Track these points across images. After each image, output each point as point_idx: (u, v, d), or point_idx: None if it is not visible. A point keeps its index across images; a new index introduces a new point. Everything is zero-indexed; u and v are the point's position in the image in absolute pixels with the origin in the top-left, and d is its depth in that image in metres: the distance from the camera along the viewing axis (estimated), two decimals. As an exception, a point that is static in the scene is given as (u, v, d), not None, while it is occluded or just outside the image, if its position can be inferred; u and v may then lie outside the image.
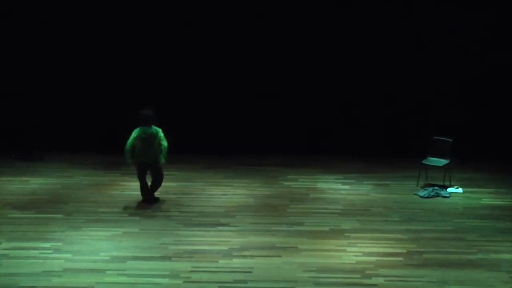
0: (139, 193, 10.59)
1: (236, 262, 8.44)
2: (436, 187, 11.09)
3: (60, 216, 9.79)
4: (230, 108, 12.87)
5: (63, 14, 12.49)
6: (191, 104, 12.86)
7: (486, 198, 10.88)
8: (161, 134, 10.15)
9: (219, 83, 12.78)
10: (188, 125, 12.89)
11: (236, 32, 12.58)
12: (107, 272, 8.10)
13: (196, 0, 12.44)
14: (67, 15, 12.49)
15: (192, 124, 12.89)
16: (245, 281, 7.95)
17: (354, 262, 8.46)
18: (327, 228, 9.53)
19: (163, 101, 12.53)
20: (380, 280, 7.98)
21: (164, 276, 8.02)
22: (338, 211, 10.21)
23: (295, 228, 9.52)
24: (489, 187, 11.35)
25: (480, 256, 8.68)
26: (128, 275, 8.04)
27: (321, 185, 11.33)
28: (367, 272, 8.18)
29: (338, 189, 11.19)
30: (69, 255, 8.51)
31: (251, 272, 8.18)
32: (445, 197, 10.85)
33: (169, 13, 12.53)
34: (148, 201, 10.35)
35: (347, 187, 11.26)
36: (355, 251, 8.77)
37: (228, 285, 7.86)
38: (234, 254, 8.66)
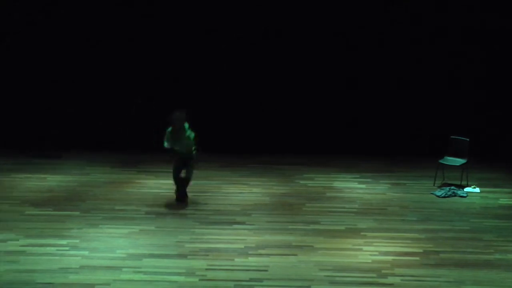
0: (155, 191, 10.64)
1: (252, 260, 8.44)
2: (453, 187, 11.02)
3: (77, 213, 9.85)
4: (247, 106, 12.87)
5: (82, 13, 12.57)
6: (208, 102, 12.87)
7: (504, 198, 10.80)
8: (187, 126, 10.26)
9: (236, 82, 12.78)
10: (204, 124, 12.90)
11: (252, 31, 12.58)
12: (124, 269, 8.13)
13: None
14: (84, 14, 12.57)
15: (209, 123, 12.90)
16: (260, 280, 7.94)
17: (370, 261, 8.43)
18: (343, 227, 9.51)
19: (181, 100, 12.54)
20: (396, 280, 7.95)
21: (180, 274, 8.04)
22: (355, 210, 10.18)
23: (311, 227, 9.50)
24: (507, 187, 11.27)
25: (497, 256, 8.62)
26: (144, 273, 8.06)
27: (337, 184, 11.31)
28: (383, 271, 8.14)
29: (355, 188, 11.16)
30: (86, 252, 8.55)
31: (267, 270, 8.18)
32: (462, 196, 10.79)
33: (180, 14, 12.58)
34: (182, 199, 10.36)
35: (363, 186, 11.23)
36: (371, 250, 8.74)
37: (244, 283, 7.86)
38: (250, 252, 8.66)
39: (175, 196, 10.42)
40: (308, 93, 12.78)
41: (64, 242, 8.84)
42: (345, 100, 12.79)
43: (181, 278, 7.96)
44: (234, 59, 12.69)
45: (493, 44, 12.41)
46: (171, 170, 10.36)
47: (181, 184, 10.36)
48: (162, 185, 11.06)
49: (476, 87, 12.61)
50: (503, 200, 10.69)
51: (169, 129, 10.13)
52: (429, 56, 12.54)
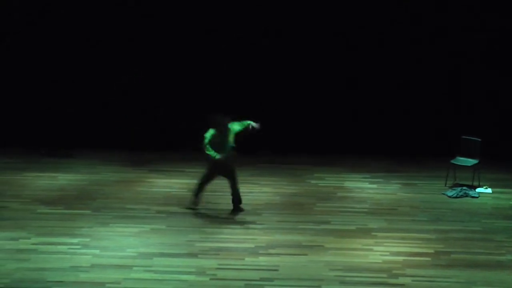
0: (166, 190, 10.68)
1: (262, 260, 8.44)
2: (464, 187, 10.98)
3: (88, 212, 9.88)
4: (258, 106, 12.87)
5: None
6: (211, 102, 12.90)
7: (516, 198, 10.76)
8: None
9: (245, 80, 12.77)
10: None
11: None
12: (134, 268, 8.15)
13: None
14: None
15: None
16: (271, 279, 7.94)
17: (380, 261, 8.41)
18: (353, 227, 9.49)
19: (181, 100, 12.61)
20: (407, 280, 7.93)
21: (190, 273, 8.05)
22: (365, 210, 10.16)
23: (322, 226, 9.49)
24: (519, 187, 11.23)
25: (509, 257, 8.58)
26: (155, 272, 8.08)
27: (348, 184, 11.29)
28: (394, 271, 8.12)
29: (365, 188, 11.13)
30: (96, 251, 8.58)
31: (277, 270, 8.17)
32: (473, 197, 10.75)
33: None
34: (239, 207, 10.06)
35: (374, 186, 11.20)
36: (382, 251, 8.72)
37: (254, 283, 7.86)
38: (260, 252, 8.66)
39: (192, 203, 10.09)
40: (313, 93, 12.75)
41: (75, 240, 8.87)
42: (353, 99, 12.75)
43: (191, 277, 7.97)
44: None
45: (504, 44, 12.37)
46: (202, 176, 10.01)
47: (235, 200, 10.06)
48: (173, 184, 11.08)
49: (479, 86, 12.57)
50: (515, 201, 10.65)
51: (211, 133, 9.64)
52: (430, 56, 12.51)
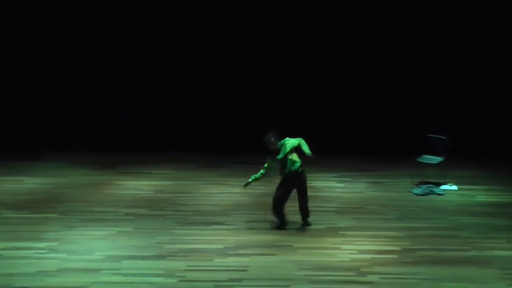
0: (135, 192, 10.63)
1: (232, 260, 8.43)
2: (430, 185, 11.11)
3: (55, 215, 9.78)
4: (227, 107, 12.90)
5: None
6: (187, 103, 12.88)
7: (481, 195, 10.90)
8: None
9: (215, 82, 12.80)
10: (184, 124, 12.91)
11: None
12: (102, 271, 8.09)
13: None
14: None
15: (189, 123, 12.91)
16: (240, 280, 7.94)
17: (349, 260, 8.46)
18: (322, 226, 9.53)
19: (159, 100, 12.55)
20: (375, 278, 7.98)
21: (159, 275, 8.00)
22: (334, 209, 10.22)
23: (290, 226, 9.51)
24: (484, 184, 11.39)
25: (474, 253, 8.69)
26: (123, 275, 8.02)
27: (316, 183, 11.33)
28: (362, 269, 8.18)
29: (334, 187, 11.20)
30: (64, 255, 8.49)
31: (246, 270, 8.17)
32: (439, 194, 10.88)
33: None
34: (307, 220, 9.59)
35: (342, 185, 11.28)
36: (350, 249, 8.77)
37: (223, 283, 7.85)
38: (229, 252, 8.66)
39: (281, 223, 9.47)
40: (286, 94, 12.81)
41: (42, 245, 8.78)
42: (325, 100, 12.83)
43: (160, 279, 7.93)
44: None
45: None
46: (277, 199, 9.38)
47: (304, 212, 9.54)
48: (142, 186, 11.04)
49: (452, 85, 12.73)
50: (480, 198, 10.79)
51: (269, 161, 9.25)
52: (408, 55, 12.64)
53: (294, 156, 9.22)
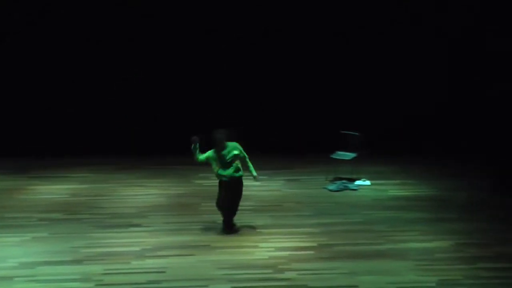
0: (49, 197, 10.39)
1: (149, 262, 8.38)
2: (344, 181, 11.34)
3: (-35, 223, 9.48)
4: (145, 110, 12.85)
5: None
6: (102, 105, 12.74)
7: (393, 189, 11.21)
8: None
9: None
10: (101, 127, 12.76)
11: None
12: (15, 279, 7.87)
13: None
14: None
15: (105, 126, 12.77)
16: (158, 281, 7.90)
17: (267, 257, 8.54)
18: (240, 225, 9.58)
19: (79, 102, 12.40)
20: (292, 274, 8.09)
21: (75, 280, 7.86)
22: (251, 207, 10.29)
23: (208, 226, 9.53)
24: (395, 178, 11.71)
25: (388, 246, 8.92)
26: (38, 281, 7.84)
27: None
28: (280, 267, 8.27)
29: (250, 185, 11.23)
30: (-25, 263, 8.24)
31: (164, 272, 8.13)
32: (353, 190, 11.12)
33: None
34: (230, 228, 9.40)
35: (258, 183, 11.33)
36: (268, 247, 8.85)
37: (141, 286, 7.79)
38: (147, 254, 8.59)
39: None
40: (204, 94, 12.87)
41: (-49, 254, 8.49)
42: (240, 99, 12.91)
43: (76, 284, 7.79)
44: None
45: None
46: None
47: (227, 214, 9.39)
48: (56, 190, 10.81)
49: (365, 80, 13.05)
50: (392, 192, 11.09)
51: (211, 152, 9.15)
52: (326, 53, 12.89)
53: (239, 164, 9.21)
